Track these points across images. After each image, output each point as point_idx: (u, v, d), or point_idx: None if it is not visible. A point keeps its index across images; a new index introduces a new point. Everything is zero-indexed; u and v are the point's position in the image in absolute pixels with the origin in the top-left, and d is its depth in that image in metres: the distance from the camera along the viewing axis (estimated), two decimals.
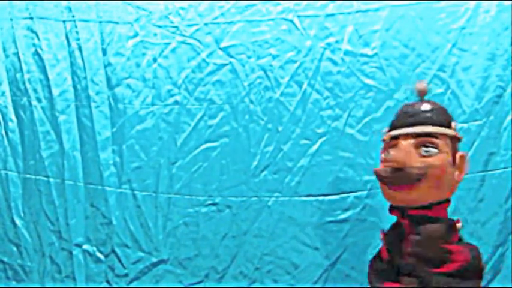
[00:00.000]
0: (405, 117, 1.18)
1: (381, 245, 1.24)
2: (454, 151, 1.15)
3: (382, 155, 1.22)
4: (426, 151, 1.11)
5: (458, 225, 1.13)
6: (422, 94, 1.24)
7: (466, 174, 1.51)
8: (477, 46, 1.56)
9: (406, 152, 1.12)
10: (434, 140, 1.12)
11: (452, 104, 1.56)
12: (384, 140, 1.23)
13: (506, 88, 1.53)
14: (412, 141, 1.13)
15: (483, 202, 1.52)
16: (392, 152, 1.15)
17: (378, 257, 1.24)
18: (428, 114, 1.15)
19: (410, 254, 1.09)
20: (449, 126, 1.15)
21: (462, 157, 1.16)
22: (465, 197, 1.53)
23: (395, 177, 1.13)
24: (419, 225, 1.11)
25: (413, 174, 1.10)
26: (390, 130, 1.22)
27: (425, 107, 1.17)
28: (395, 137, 1.17)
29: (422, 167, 1.10)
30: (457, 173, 1.15)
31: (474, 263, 1.07)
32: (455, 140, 1.16)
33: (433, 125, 1.14)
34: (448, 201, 1.17)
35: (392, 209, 1.21)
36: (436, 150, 1.11)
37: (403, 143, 1.14)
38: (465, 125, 1.54)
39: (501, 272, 1.50)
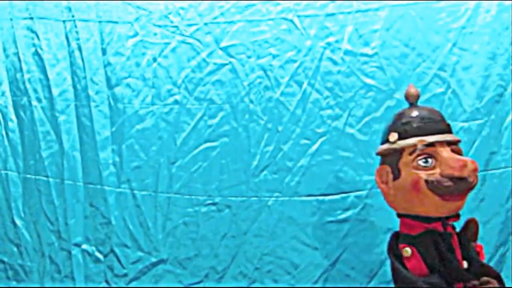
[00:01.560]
0: (426, 123, 1.18)
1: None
2: None
3: (421, 162, 1.15)
4: None
5: None
6: (414, 99, 1.26)
7: None
8: (477, 45, 1.56)
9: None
10: (459, 148, 1.18)
11: (453, 103, 1.56)
12: (414, 148, 1.16)
13: (507, 87, 1.53)
14: (448, 148, 1.15)
15: (484, 202, 1.52)
16: (433, 160, 1.14)
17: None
18: (444, 121, 1.20)
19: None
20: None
21: None
22: None
23: (459, 188, 1.11)
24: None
25: (473, 185, 1.11)
26: (406, 136, 1.19)
27: (434, 112, 1.22)
28: (431, 145, 1.15)
29: (476, 175, 1.12)
30: None
31: None
32: None
33: (450, 132, 1.20)
34: None
35: (432, 221, 1.16)
36: None
37: (442, 150, 1.14)
38: (466, 124, 1.54)
39: (502, 272, 1.49)
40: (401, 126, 1.21)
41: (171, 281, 1.66)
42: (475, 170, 1.11)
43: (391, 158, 1.21)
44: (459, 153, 1.17)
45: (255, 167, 1.65)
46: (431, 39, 1.59)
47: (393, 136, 1.20)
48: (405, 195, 1.18)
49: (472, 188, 1.12)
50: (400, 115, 1.24)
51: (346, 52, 1.63)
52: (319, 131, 1.63)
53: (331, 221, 1.60)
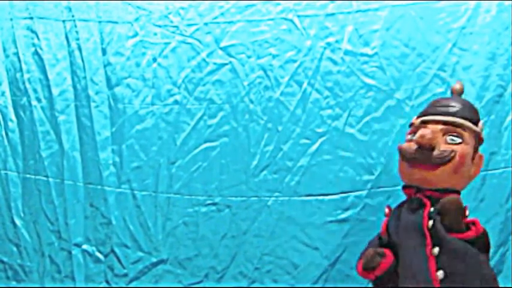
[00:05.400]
0: (436, 107, 1.24)
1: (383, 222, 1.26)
2: (476, 149, 1.22)
3: (409, 136, 1.25)
4: (452, 139, 1.17)
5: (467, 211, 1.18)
6: (457, 93, 1.32)
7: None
8: (477, 45, 1.56)
9: (434, 134, 1.16)
10: (460, 130, 1.18)
11: None
12: (412, 124, 1.27)
13: (507, 87, 1.53)
14: (440, 127, 1.18)
15: (484, 202, 1.52)
16: (420, 132, 1.19)
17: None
18: (459, 108, 1.21)
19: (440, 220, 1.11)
20: (476, 125, 1.22)
21: (481, 157, 1.24)
22: (466, 196, 1.50)
23: (421, 156, 1.16)
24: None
25: (439, 157, 1.14)
26: (420, 117, 1.26)
27: (457, 101, 1.24)
28: (425, 122, 1.22)
29: (448, 151, 1.15)
30: (473, 169, 1.22)
31: (486, 235, 1.13)
32: (479, 139, 1.22)
33: (462, 118, 1.19)
34: (459, 193, 1.20)
35: (406, 187, 1.25)
36: (460, 140, 1.17)
37: (431, 127, 1.19)
38: None
39: (502, 272, 1.49)
40: (424, 109, 1.29)
41: (171, 281, 1.66)
42: (432, 139, 1.15)
43: None
44: (455, 134, 1.18)
45: (254, 166, 1.65)
46: (431, 39, 1.58)
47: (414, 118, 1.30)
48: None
49: (441, 159, 1.14)
50: (432, 100, 1.31)
51: (346, 52, 1.63)
52: (319, 131, 1.63)
53: (331, 221, 1.60)
